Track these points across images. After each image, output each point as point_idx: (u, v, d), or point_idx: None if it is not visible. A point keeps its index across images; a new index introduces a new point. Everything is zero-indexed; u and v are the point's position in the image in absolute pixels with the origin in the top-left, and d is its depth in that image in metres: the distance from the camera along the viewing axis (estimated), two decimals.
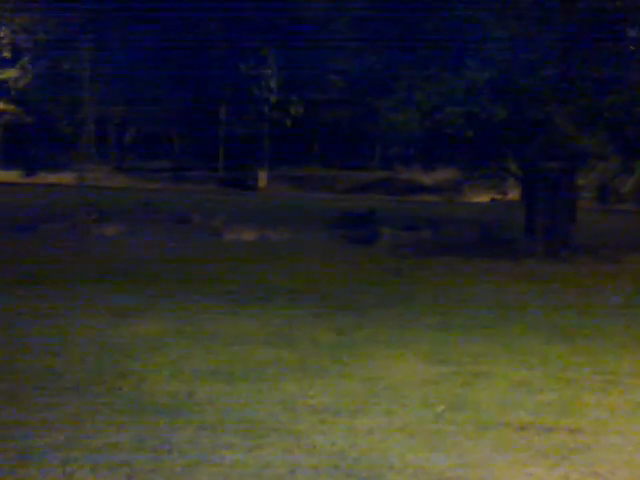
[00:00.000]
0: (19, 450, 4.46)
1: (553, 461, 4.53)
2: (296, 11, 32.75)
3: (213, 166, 36.75)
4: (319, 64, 32.28)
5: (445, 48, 14.44)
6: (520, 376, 6.23)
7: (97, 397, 5.42)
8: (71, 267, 11.64)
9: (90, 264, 12.09)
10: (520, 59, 13.70)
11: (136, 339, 7.13)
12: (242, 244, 15.21)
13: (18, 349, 6.70)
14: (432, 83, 13.56)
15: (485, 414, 5.29)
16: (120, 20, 32.89)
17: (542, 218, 14.33)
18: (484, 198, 27.32)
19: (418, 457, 4.52)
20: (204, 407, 5.27)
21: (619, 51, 14.43)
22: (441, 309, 9.06)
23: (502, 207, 19.73)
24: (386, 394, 5.68)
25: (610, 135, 14.67)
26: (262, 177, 35.56)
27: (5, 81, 36.64)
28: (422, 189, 34.02)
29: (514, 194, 21.12)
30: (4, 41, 36.72)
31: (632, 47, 14.89)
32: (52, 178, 33.92)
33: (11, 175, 34.15)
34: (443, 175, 30.49)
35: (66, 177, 34.44)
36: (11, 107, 37.17)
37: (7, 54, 36.62)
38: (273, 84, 34.04)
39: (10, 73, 36.48)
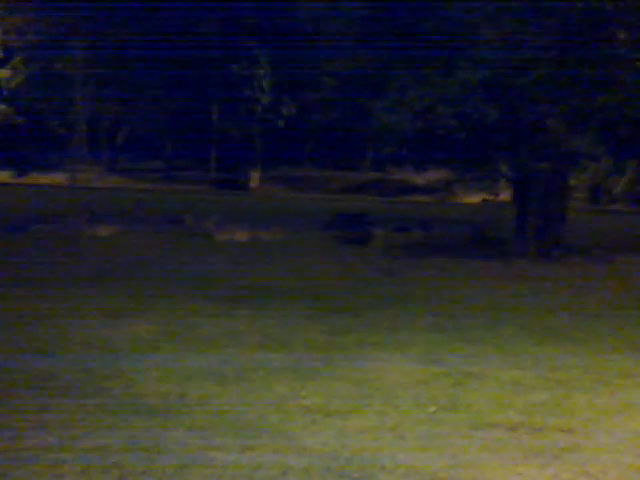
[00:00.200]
0: (9, 451, 4.45)
1: (544, 461, 4.55)
2: (289, 11, 32.78)
3: (206, 167, 36.73)
4: (312, 64, 32.30)
5: (437, 49, 14.45)
6: (511, 377, 6.25)
7: (88, 398, 5.41)
8: (63, 268, 11.60)
9: (82, 265, 12.06)
10: (512, 59, 13.72)
11: (127, 340, 7.12)
12: (234, 245, 15.20)
13: (8, 350, 6.68)
14: (424, 84, 13.58)
15: (477, 414, 5.30)
16: (112, 20, 32.85)
17: (534, 219, 14.37)
18: (476, 199, 27.38)
19: (410, 457, 4.53)
20: (195, 408, 5.27)
21: (611, 52, 14.47)
22: (433, 310, 9.08)
23: (494, 208, 19.78)
24: (378, 395, 5.69)
25: (602, 136, 14.73)
26: (255, 177, 35.56)
27: None
28: (414, 190, 34.09)
29: (506, 195, 21.17)
30: None
31: (624, 48, 14.93)
32: (44, 179, 33.86)
33: (2, 175, 34.07)
34: (435, 176, 30.54)
35: (58, 178, 34.38)
36: (2, 107, 37.06)
37: None
38: (265, 84, 34.03)
39: (2, 73, 36.38)
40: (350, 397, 5.62)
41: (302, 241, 15.96)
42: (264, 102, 34.36)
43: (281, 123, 34.84)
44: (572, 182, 17.23)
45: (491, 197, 17.14)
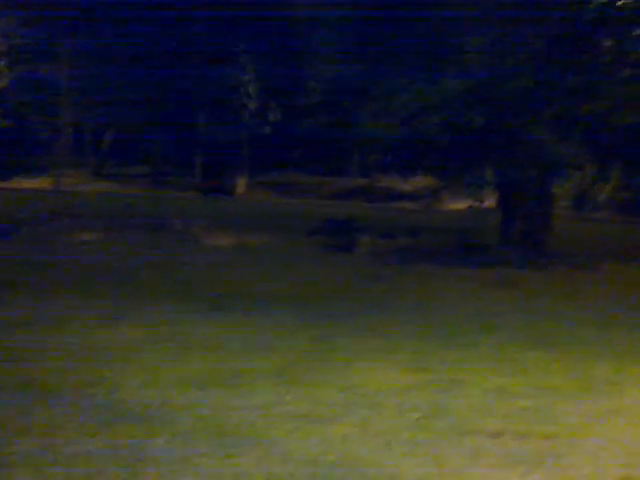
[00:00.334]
0: None
1: (528, 467, 4.56)
2: (276, 18, 32.80)
3: (192, 172, 36.64)
4: (298, 71, 32.34)
5: (423, 57, 14.52)
6: (495, 383, 6.26)
7: (70, 405, 5.37)
8: (47, 273, 11.53)
9: (67, 270, 11.99)
10: (497, 68, 13.81)
11: (111, 346, 7.08)
12: (221, 250, 15.17)
13: None
14: (410, 91, 13.63)
15: (461, 421, 5.30)
16: (98, 25, 32.75)
17: (519, 226, 14.44)
18: (462, 205, 27.46)
19: (393, 464, 4.53)
20: (178, 415, 5.24)
21: (595, 60, 14.58)
22: (418, 317, 9.09)
23: (479, 214, 19.84)
24: (362, 402, 5.68)
25: (586, 144, 14.83)
26: (241, 183, 35.50)
27: None
28: (401, 196, 34.13)
29: (491, 201, 21.25)
30: None
31: (608, 57, 15.06)
32: (28, 183, 33.64)
33: None
34: (421, 182, 30.62)
35: (43, 182, 34.17)
36: None
37: None
38: (252, 90, 34.03)
39: None
40: (334, 403, 5.61)
41: (288, 247, 15.94)
42: (251, 108, 34.33)
43: (268, 129, 34.82)
44: (556, 190, 17.30)
45: (476, 204, 17.20)
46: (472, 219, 20.63)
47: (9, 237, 15.47)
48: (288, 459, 4.55)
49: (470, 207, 18.58)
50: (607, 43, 14.69)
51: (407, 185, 33.92)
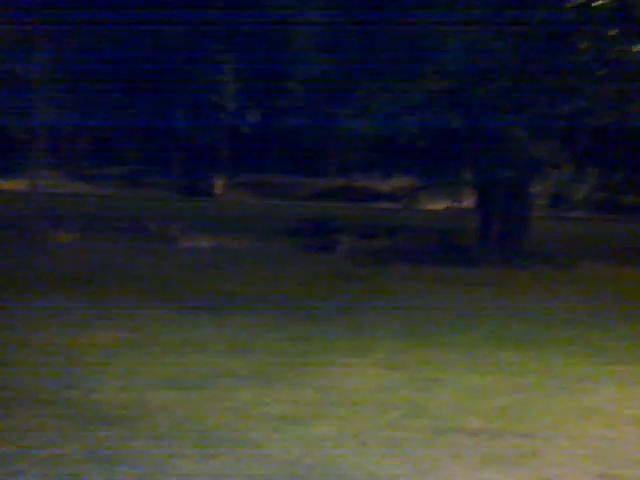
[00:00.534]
0: None
1: (505, 466, 4.58)
2: (254, 18, 32.76)
3: (170, 173, 36.50)
4: (277, 71, 32.32)
5: (401, 57, 14.55)
6: (473, 382, 6.29)
7: (46, 407, 5.32)
8: (23, 275, 11.43)
9: (43, 272, 11.88)
10: (475, 69, 13.87)
11: (88, 348, 7.03)
12: (199, 251, 15.11)
13: None
14: (388, 92, 13.66)
15: (439, 420, 5.32)
16: (75, 25, 32.51)
17: (496, 226, 14.51)
18: (440, 206, 27.55)
19: (372, 464, 4.53)
20: (156, 416, 5.22)
21: (572, 61, 14.69)
22: (397, 316, 9.10)
23: (458, 215, 19.92)
24: (341, 401, 5.69)
25: (564, 144, 14.93)
26: (219, 184, 35.40)
27: None
28: (379, 196, 34.19)
29: (470, 202, 21.34)
30: None
31: (585, 57, 15.17)
32: (3, 184, 33.32)
33: None
34: (400, 183, 30.69)
35: (19, 183, 33.85)
36: None
37: None
38: (230, 90, 33.94)
39: None
40: (313, 404, 5.61)
41: (267, 248, 15.92)
42: (229, 108, 34.26)
43: (246, 129, 34.75)
44: (534, 189, 17.43)
45: (455, 204, 17.27)
46: (451, 219, 20.72)
47: None
48: (266, 460, 4.54)
49: (448, 207, 18.67)
50: (584, 44, 14.79)
51: (385, 185, 33.99)
